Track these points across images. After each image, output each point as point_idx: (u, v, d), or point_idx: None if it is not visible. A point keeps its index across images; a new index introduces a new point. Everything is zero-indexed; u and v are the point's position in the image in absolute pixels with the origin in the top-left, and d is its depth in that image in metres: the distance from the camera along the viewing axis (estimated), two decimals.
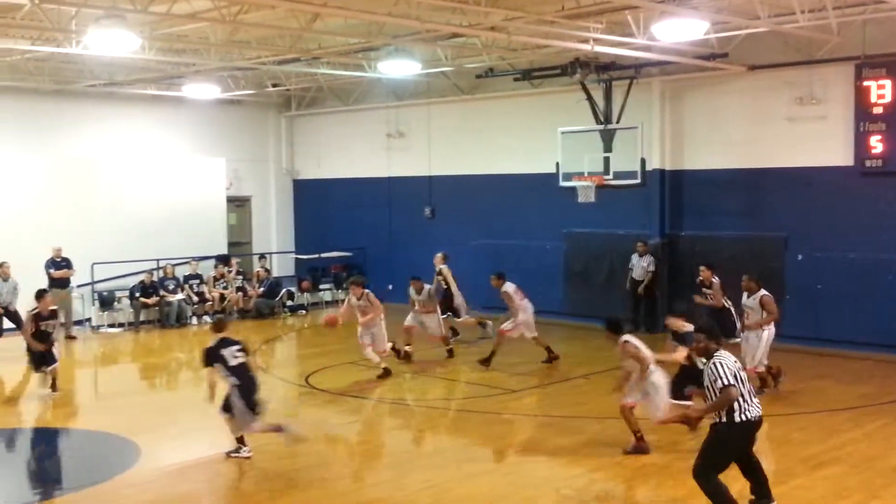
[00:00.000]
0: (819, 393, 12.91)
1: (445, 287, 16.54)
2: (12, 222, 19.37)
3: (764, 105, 16.72)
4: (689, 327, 9.80)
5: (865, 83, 15.30)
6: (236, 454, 10.02)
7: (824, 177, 16.01)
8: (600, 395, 9.95)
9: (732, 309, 13.47)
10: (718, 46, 15.53)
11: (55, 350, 13.55)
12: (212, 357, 9.92)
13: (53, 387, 13.39)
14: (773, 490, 7.96)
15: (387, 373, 14.08)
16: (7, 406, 13.27)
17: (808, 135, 16.15)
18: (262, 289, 21.85)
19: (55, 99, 20.61)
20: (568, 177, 18.10)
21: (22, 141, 20.35)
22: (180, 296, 20.74)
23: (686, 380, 9.95)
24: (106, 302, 20.40)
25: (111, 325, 20.16)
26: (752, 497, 7.87)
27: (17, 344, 14.46)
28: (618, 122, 17.57)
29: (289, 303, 22.26)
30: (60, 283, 18.89)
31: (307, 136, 24.84)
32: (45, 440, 11.80)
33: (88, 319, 20.24)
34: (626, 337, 9.93)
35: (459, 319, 16.76)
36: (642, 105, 17.70)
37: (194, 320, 20.72)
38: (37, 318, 13.46)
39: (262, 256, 22.93)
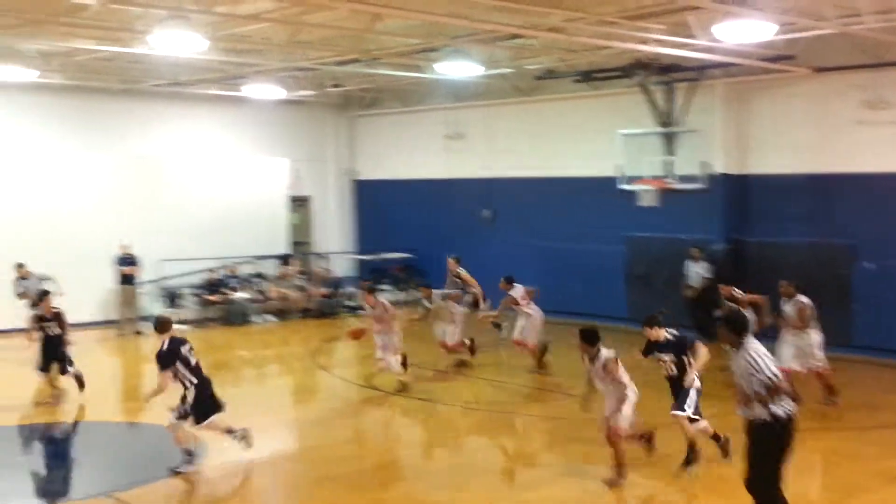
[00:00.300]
0: (892, 407, 12.51)
1: (462, 287, 16.40)
2: (81, 219, 19.88)
3: (831, 108, 16.31)
4: (665, 335, 9.42)
5: None
6: (184, 468, 9.58)
7: (895, 183, 15.55)
8: (659, 403, 9.67)
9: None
10: (784, 48, 15.18)
11: (68, 352, 13.42)
12: (171, 358, 9.54)
13: (80, 385, 13.40)
14: None
15: (403, 387, 13.66)
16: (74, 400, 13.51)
17: (877, 139, 15.69)
18: (323, 288, 22.07)
19: (121, 98, 21.07)
20: (628, 180, 17.89)
21: (89, 139, 20.87)
22: (244, 294, 21.06)
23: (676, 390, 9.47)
24: (172, 298, 20.81)
25: (177, 322, 20.49)
26: None
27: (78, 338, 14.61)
28: (680, 125, 17.30)
29: (349, 303, 22.43)
30: (128, 280, 19.36)
31: (367, 136, 25.00)
32: (113, 434, 12.02)
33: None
34: (606, 353, 9.14)
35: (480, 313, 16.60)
36: (705, 107, 17.40)
37: (257, 318, 21.01)
38: (38, 319, 13.43)
39: (322, 256, 23.14)
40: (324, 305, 21.82)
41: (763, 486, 7.13)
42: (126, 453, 11.21)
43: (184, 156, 22.15)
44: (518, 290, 15.04)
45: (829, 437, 10.72)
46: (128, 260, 19.32)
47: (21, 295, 17.20)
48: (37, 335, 13.39)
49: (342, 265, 24.50)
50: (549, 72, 18.33)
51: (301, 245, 24.33)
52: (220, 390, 12.47)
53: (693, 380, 9.27)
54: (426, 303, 16.03)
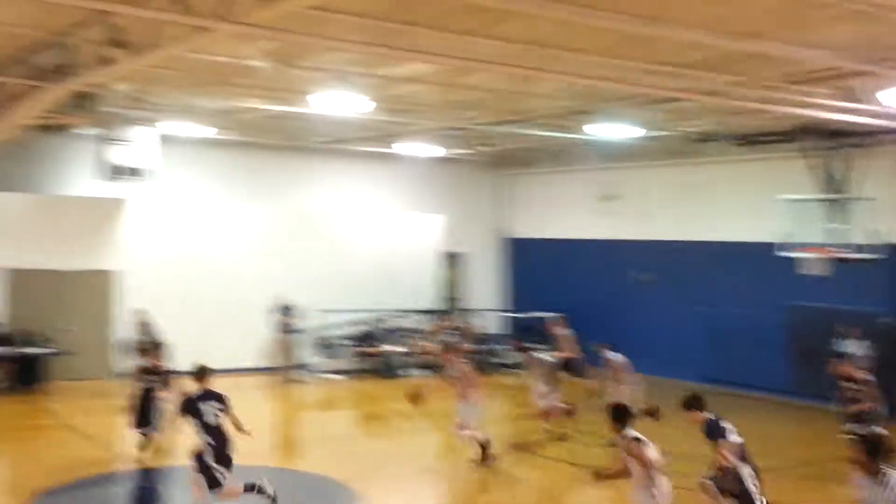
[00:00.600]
0: None
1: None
2: (243, 269, 20.82)
3: None
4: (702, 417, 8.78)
5: None
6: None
7: None
8: (835, 485, 8.75)
9: None
10: None
11: (157, 410, 12.78)
12: (188, 408, 9.49)
13: (145, 445, 12.96)
14: None
15: (486, 456, 12.80)
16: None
17: None
18: (473, 345, 22.14)
19: (286, 154, 22.11)
20: (789, 247, 17.16)
21: (255, 192, 21.96)
22: (396, 347, 21.42)
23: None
24: (328, 349, 21.39)
25: (332, 372, 21.06)
26: None
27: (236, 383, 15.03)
28: (845, 191, 16.50)
29: (499, 360, 22.39)
30: (286, 329, 20.08)
31: (520, 194, 25.12)
32: (268, 479, 12.26)
33: (311, 365, 21.25)
34: (634, 433, 8.25)
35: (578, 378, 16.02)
36: (873, 173, 16.55)
37: (408, 372, 21.28)
38: (143, 371, 13.02)
39: (474, 313, 23.27)
40: (474, 361, 21.82)
41: None
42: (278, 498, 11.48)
43: (341, 210, 22.93)
44: (618, 358, 14.28)
45: None
46: (286, 310, 20.04)
47: (138, 343, 17.21)
48: (138, 387, 12.88)
49: (493, 322, 24.55)
50: (708, 134, 17.94)
51: (453, 301, 24.57)
52: (372, 442, 12.61)
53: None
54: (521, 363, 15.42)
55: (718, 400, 13.83)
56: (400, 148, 20.76)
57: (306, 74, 13.80)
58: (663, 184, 21.03)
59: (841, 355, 16.15)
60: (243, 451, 13.19)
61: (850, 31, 10.26)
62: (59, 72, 12.73)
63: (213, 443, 9.32)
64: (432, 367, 21.37)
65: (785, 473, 12.18)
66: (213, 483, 9.32)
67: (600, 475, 8.68)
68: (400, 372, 21.14)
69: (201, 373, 9.77)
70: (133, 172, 18.42)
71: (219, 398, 9.53)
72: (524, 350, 15.88)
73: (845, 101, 13.20)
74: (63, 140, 18.56)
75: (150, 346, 13.75)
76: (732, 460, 8.60)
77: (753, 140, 17.51)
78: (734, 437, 8.78)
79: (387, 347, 21.21)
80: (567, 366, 15.80)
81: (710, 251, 19.81)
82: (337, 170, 23.13)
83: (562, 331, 16.24)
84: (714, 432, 8.72)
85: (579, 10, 9.31)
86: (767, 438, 13.97)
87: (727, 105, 14.22)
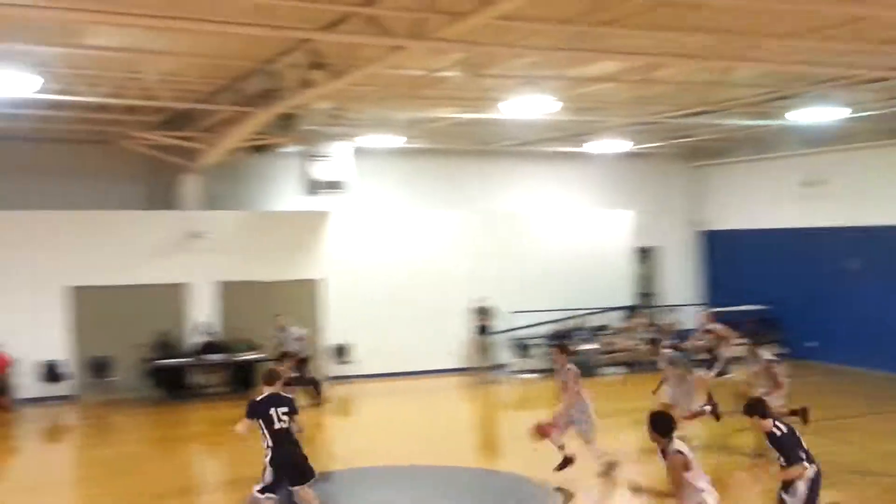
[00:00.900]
0: None
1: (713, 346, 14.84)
2: (437, 273, 21.22)
3: None
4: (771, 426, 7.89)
5: None
6: None
7: None
8: None
9: None
10: None
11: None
12: (255, 411, 9.05)
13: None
14: None
15: (566, 462, 11.71)
16: (427, 443, 14.23)
17: None
18: (671, 341, 21.62)
19: (474, 158, 22.37)
20: None
21: (443, 197, 22.33)
22: (591, 346, 21.25)
23: None
24: (522, 349, 21.53)
25: (526, 372, 21.16)
26: None
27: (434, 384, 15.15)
28: None
29: (697, 356, 21.73)
30: (483, 330, 20.37)
31: (714, 185, 24.28)
32: (468, 479, 12.46)
33: (507, 365, 21.46)
34: (678, 446, 7.44)
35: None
36: None
37: (604, 370, 21.08)
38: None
39: (670, 309, 22.74)
40: (672, 359, 21.30)
41: None
42: (480, 500, 11.62)
43: (531, 210, 22.97)
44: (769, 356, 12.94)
45: None
46: (482, 311, 20.31)
47: (277, 348, 17.36)
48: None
49: (689, 318, 23.86)
50: None
51: (646, 297, 24.10)
52: (569, 442, 12.50)
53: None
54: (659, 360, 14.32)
55: None
56: (588, 146, 20.57)
57: (495, 81, 13.95)
58: (873, 166, 19.71)
59: None
60: (444, 453, 13.55)
61: None
62: (265, 96, 13.49)
63: (275, 447, 8.95)
64: (627, 364, 21.14)
65: None
66: (268, 488, 8.98)
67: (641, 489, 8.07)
68: (595, 370, 20.93)
69: (271, 374, 9.47)
70: (334, 186, 19.23)
71: (287, 403, 9.14)
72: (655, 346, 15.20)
73: None
74: (269, 159, 19.61)
75: (282, 355, 12.97)
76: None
77: None
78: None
79: (581, 346, 21.05)
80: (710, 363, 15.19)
81: None
82: (525, 171, 23.20)
83: (716, 325, 15.58)
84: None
85: None
86: None
87: None
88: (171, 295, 19.09)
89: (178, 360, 18.38)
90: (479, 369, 20.43)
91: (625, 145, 20.66)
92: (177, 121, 17.23)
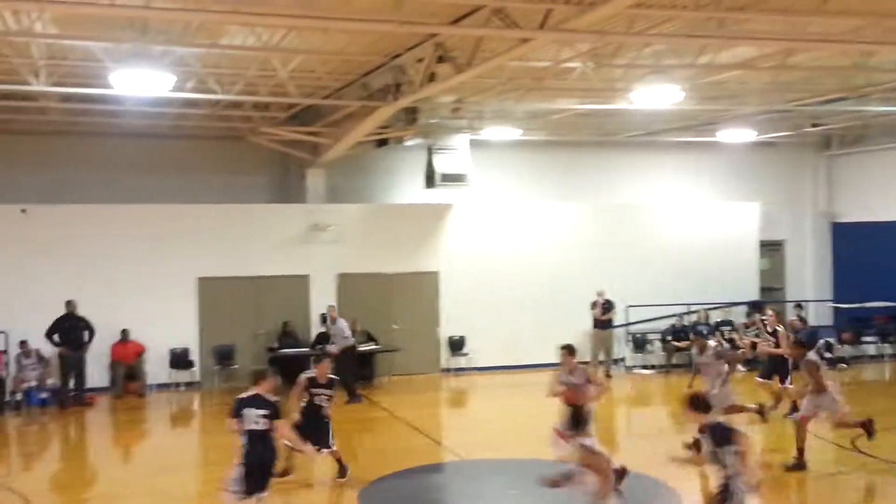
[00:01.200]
0: None
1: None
2: (554, 266, 20.98)
3: None
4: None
5: None
6: None
7: None
8: None
9: None
10: None
11: (330, 429, 11.12)
12: (233, 410, 8.79)
13: (341, 472, 11.31)
14: None
15: (621, 474, 10.45)
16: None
17: None
18: (796, 338, 20.87)
19: (594, 150, 22.06)
20: None
21: (560, 190, 22.04)
22: (712, 342, 20.67)
23: None
24: (639, 344, 21.16)
25: (643, 367, 20.80)
26: None
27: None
28: None
29: (826, 355, 20.92)
30: (602, 324, 20.08)
31: (849, 176, 23.26)
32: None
33: (623, 359, 21.14)
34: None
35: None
36: None
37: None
38: (309, 383, 11.08)
39: (797, 304, 21.94)
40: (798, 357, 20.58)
41: None
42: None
43: (653, 202, 22.50)
44: (814, 356, 12.01)
45: None
46: (603, 305, 20.04)
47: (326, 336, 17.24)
48: (303, 401, 11.07)
49: (819, 314, 23.01)
50: None
51: (772, 292, 23.32)
52: (685, 439, 12.19)
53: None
54: (697, 356, 13.45)
55: None
56: (713, 136, 20.01)
57: (622, 71, 13.72)
58: None
59: None
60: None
61: None
62: (390, 91, 13.62)
63: (248, 449, 8.62)
64: (749, 361, 20.46)
65: None
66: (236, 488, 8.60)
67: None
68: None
69: (257, 375, 9.17)
70: (455, 178, 19.28)
71: (267, 406, 8.69)
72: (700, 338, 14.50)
73: None
74: (391, 152, 19.83)
75: (318, 356, 12.06)
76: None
77: None
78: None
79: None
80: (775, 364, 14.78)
81: None
82: (645, 162, 22.73)
83: (777, 324, 14.88)
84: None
85: None
86: None
87: None
88: (294, 286, 19.49)
89: (298, 350, 18.75)
90: (598, 363, 20.17)
91: (750, 135, 20.01)
92: (303, 116, 17.61)
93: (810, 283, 23.76)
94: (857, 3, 10.13)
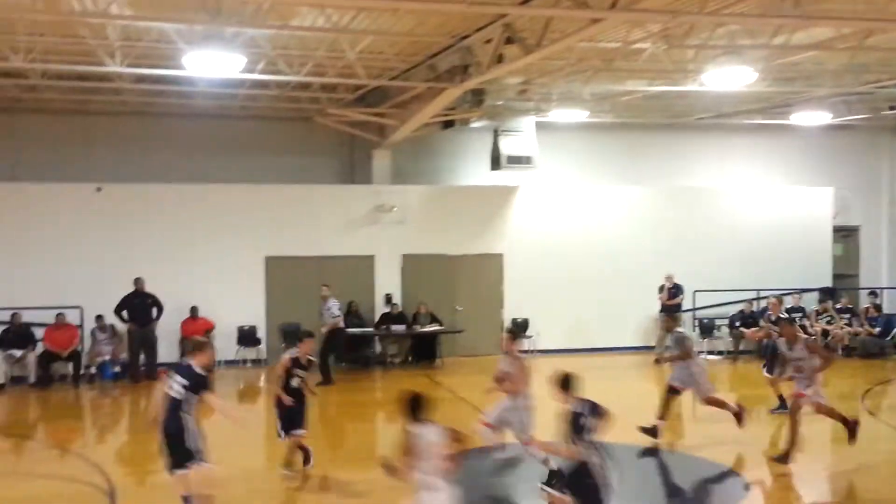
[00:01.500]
0: None
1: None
2: (620, 249, 20.77)
3: None
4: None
5: None
6: None
7: None
8: None
9: None
10: None
11: (305, 410, 10.48)
12: (168, 371, 8.63)
13: (306, 459, 10.52)
14: None
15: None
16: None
17: None
18: (870, 326, 20.39)
19: (663, 132, 21.73)
20: None
21: (626, 173, 21.77)
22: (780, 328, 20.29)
23: None
24: (706, 329, 20.86)
25: (711, 353, 20.50)
26: None
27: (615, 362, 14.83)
28: None
29: None
30: (670, 309, 19.81)
31: None
32: (656, 461, 12.15)
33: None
34: None
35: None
36: None
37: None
38: (292, 364, 10.39)
39: (871, 292, 21.40)
40: (870, 345, 20.11)
41: None
42: (668, 483, 11.40)
43: (722, 186, 22.11)
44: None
45: None
46: (671, 289, 19.78)
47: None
48: (294, 382, 10.40)
49: (892, 301, 22.41)
50: None
51: (845, 278, 22.76)
52: (750, 426, 11.97)
53: None
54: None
55: None
56: (786, 118, 19.55)
57: (693, 52, 13.47)
58: None
59: None
60: (618, 431, 13.24)
61: None
62: (458, 72, 13.58)
63: (164, 416, 8.29)
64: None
65: None
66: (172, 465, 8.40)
67: None
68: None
69: (191, 342, 8.94)
70: (521, 160, 19.20)
71: (190, 377, 8.27)
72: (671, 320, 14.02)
73: None
74: (456, 134, 19.81)
75: (301, 335, 10.98)
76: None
77: None
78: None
79: (772, 328, 20.10)
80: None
81: None
82: (720, 145, 22.32)
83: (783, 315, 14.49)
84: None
85: None
86: None
87: None
88: (359, 266, 19.66)
89: (362, 330, 18.93)
90: (664, 349, 19.93)
91: (824, 118, 19.49)
92: (370, 97, 17.68)
93: (885, 269, 23.13)
94: None
